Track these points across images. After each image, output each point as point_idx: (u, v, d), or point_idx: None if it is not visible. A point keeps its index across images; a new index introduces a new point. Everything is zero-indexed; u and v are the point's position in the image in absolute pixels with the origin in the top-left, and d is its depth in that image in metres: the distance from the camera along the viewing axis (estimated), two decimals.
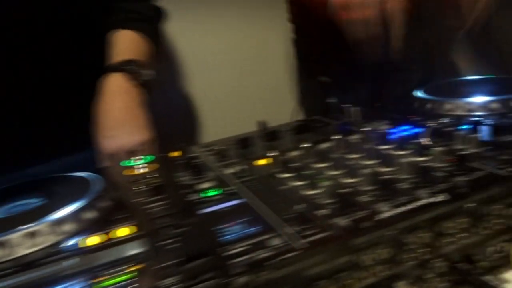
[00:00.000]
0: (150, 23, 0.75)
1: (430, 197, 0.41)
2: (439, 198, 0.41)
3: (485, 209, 0.42)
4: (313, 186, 0.46)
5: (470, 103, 0.65)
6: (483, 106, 0.63)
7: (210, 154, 0.63)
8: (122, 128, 0.65)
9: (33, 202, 0.50)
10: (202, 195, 0.48)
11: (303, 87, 1.09)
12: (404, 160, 0.49)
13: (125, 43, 0.70)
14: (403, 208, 0.40)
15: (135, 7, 0.73)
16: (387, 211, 0.39)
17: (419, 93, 0.74)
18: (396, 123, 0.65)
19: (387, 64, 0.88)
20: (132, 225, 0.43)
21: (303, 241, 0.36)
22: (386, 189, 0.43)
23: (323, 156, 0.55)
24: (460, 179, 0.44)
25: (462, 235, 0.42)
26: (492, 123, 0.56)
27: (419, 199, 0.41)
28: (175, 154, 0.64)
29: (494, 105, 0.63)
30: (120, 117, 0.65)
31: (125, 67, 0.67)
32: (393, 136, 0.60)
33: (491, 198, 0.42)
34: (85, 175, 0.56)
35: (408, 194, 0.42)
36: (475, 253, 0.43)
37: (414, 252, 0.39)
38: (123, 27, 0.71)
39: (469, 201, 0.42)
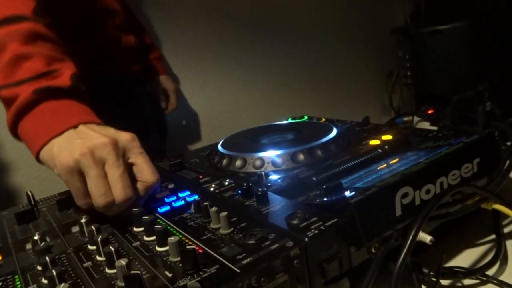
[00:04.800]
0: None
1: None
2: None
3: None
4: None
5: (257, 158, 0.58)
6: (270, 161, 0.57)
7: None
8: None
9: None
10: None
11: None
12: (135, 255, 0.39)
13: None
14: None
15: None
16: None
17: (219, 146, 0.67)
18: (178, 188, 0.56)
19: None
20: None
21: None
22: None
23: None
24: (188, 282, 0.35)
25: None
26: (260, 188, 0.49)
27: None
28: None
29: (281, 160, 0.57)
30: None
31: None
32: (159, 209, 0.51)
33: None
34: None
35: None
36: None
37: None
38: None
39: None
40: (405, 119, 1.05)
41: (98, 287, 0.37)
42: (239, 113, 1.52)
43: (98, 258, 0.41)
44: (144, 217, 0.44)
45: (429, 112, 1.01)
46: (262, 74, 1.55)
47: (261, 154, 0.58)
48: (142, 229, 0.45)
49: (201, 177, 0.58)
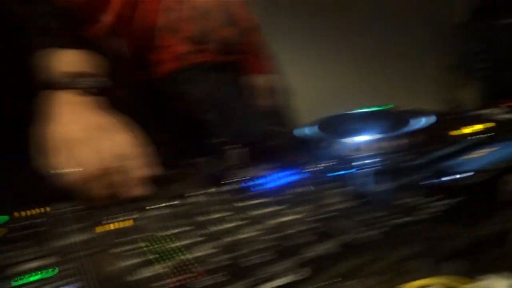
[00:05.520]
0: None
1: (288, 274, 0.35)
2: (300, 275, 0.35)
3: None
4: (156, 263, 0.39)
5: (355, 143, 0.61)
6: (366, 145, 0.60)
7: (58, 216, 0.53)
8: (90, 134, 0.56)
9: None
10: (20, 282, 0.39)
11: None
12: (268, 221, 0.43)
13: (65, 59, 0.64)
14: None
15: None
16: None
17: (306, 130, 0.69)
18: (278, 167, 0.60)
19: None
20: None
21: None
22: (239, 264, 0.37)
23: (180, 218, 0.47)
24: (319, 248, 0.39)
25: None
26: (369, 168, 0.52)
27: (275, 278, 0.35)
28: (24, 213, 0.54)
29: (373, 145, 0.59)
30: (79, 127, 0.57)
31: (71, 81, 0.61)
32: (268, 186, 0.54)
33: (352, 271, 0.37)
34: None
35: (264, 269, 0.36)
36: None
37: None
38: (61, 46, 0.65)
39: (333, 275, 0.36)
40: (481, 112, 1.04)
41: None
42: (319, 100, 1.54)
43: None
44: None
45: (507, 105, 0.99)
46: (329, 64, 1.57)
47: (360, 137, 0.61)
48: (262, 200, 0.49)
49: (299, 159, 0.61)
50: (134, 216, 0.49)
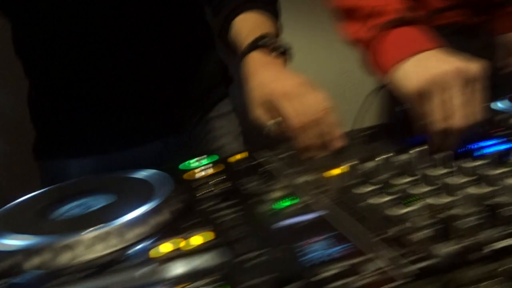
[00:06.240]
0: (267, 3, 0.75)
1: None
2: None
3: None
4: (399, 204, 0.41)
5: None
6: None
7: (278, 159, 0.59)
8: (297, 89, 0.59)
9: (100, 202, 0.48)
10: (276, 206, 0.44)
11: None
12: (505, 180, 0.44)
13: (251, 24, 0.70)
14: None
15: None
16: (497, 241, 0.34)
17: (499, 105, 0.68)
18: (476, 137, 0.59)
19: None
20: (208, 232, 0.40)
21: (412, 267, 0.32)
22: (490, 214, 0.38)
23: (403, 169, 0.50)
24: None
25: None
26: None
27: None
28: (239, 156, 0.60)
29: None
30: (286, 83, 0.61)
31: (260, 42, 0.65)
32: (479, 152, 0.54)
33: None
34: (153, 174, 0.53)
35: None
36: None
37: None
38: (243, 11, 0.71)
39: None
40: None
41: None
42: None
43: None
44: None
45: None
46: None
47: None
48: (482, 162, 0.49)
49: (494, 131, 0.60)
50: (355, 163, 0.53)
